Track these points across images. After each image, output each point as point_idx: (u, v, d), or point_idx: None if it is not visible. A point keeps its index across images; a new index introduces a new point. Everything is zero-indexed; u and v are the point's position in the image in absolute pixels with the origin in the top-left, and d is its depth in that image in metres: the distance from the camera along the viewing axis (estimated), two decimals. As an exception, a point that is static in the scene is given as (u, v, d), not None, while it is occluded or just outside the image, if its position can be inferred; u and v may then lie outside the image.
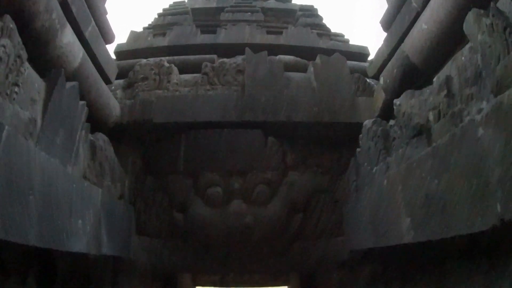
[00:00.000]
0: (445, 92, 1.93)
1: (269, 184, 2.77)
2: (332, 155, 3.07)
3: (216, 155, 2.76)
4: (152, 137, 3.02)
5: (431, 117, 2.06)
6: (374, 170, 2.58)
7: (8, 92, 1.70)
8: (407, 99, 2.38)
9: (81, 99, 2.35)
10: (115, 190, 2.71)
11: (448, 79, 1.93)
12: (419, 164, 1.90)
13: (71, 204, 1.90)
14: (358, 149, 2.89)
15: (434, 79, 2.06)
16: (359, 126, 2.95)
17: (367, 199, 2.55)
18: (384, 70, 3.09)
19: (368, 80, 3.71)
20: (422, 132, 2.15)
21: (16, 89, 1.76)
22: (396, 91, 2.77)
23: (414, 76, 2.64)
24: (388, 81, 2.97)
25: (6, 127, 1.48)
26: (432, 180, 1.72)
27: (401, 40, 2.69)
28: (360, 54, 4.43)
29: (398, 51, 2.78)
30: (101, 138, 2.60)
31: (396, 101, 2.45)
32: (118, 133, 3.04)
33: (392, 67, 2.88)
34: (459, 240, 1.90)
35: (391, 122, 2.51)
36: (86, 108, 2.37)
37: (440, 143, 1.69)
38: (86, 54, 2.62)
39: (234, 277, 7.34)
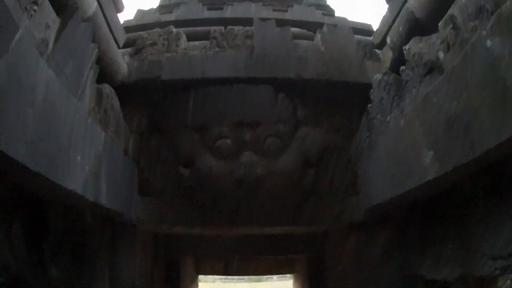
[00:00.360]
0: (450, 26, 1.95)
1: (281, 137, 2.63)
2: (342, 115, 2.98)
3: (225, 109, 2.65)
4: (160, 95, 2.92)
5: (441, 55, 2.04)
6: (388, 119, 2.48)
7: (28, 7, 1.62)
8: (415, 43, 2.34)
9: (92, 44, 2.27)
10: (119, 144, 2.57)
11: (451, 16, 1.94)
12: (435, 92, 1.83)
13: (71, 134, 1.75)
14: (369, 105, 2.80)
15: (439, 24, 2.02)
16: (368, 87, 2.87)
17: (383, 149, 2.44)
18: (390, 30, 3.05)
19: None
20: (433, 68, 2.09)
21: (35, 7, 1.68)
22: (402, 49, 2.71)
23: (419, 31, 2.60)
24: (394, 39, 2.91)
25: (20, 29, 1.39)
26: (451, 103, 1.65)
27: (405, 2, 2.66)
28: (364, 30, 4.37)
29: (402, 10, 2.75)
30: (108, 88, 2.50)
31: (406, 46, 2.41)
32: (124, 94, 2.93)
33: (398, 26, 2.85)
34: (484, 178, 1.80)
35: (402, 67, 2.44)
36: (96, 50, 2.28)
37: (453, 66, 1.66)
38: (99, 8, 2.56)
39: (238, 264, 7.12)
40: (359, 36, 4.01)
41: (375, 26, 4.03)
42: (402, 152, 2.15)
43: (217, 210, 2.66)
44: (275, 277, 30.88)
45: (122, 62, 3.01)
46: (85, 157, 1.87)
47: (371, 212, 2.64)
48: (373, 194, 2.53)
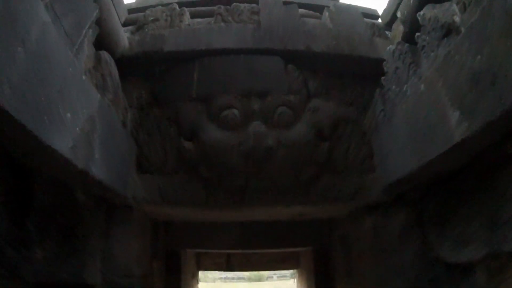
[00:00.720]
0: (465, -14, 1.76)
1: (292, 108, 2.41)
2: (354, 90, 2.78)
3: (232, 79, 2.43)
4: (162, 68, 2.71)
5: (457, 18, 1.93)
6: (404, 88, 2.29)
7: None
8: (430, 9, 2.19)
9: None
10: (116, 114, 2.34)
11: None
12: (456, 50, 1.69)
13: (63, 88, 1.53)
14: (382, 77, 2.61)
15: None
16: (379, 63, 2.70)
17: (400, 119, 2.24)
18: (400, 5, 2.89)
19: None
20: (451, 30, 1.95)
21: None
22: (414, 20, 2.54)
23: (431, 2, 2.43)
24: (405, 12, 2.74)
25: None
26: (474, 58, 1.54)
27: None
28: (371, 14, 4.21)
29: None
30: (107, 55, 2.29)
31: (420, 13, 2.25)
32: (124, 67, 2.72)
33: (408, 0, 2.68)
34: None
35: (417, 33, 2.26)
36: (97, 10, 2.08)
37: (472, 22, 1.55)
38: (102, -28, 2.36)
39: (241, 259, 6.83)
40: (366, 20, 3.86)
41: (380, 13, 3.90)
42: (424, 118, 1.96)
43: (223, 188, 2.40)
44: (275, 276, 30.54)
45: (123, 35, 2.81)
46: (77, 117, 1.64)
47: (389, 190, 2.43)
48: (391, 169, 2.33)
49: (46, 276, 1.75)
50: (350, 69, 2.84)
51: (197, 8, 3.64)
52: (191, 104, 2.45)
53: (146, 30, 3.10)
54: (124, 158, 2.35)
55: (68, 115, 1.56)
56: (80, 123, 1.68)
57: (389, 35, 3.43)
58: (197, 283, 6.81)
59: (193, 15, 3.43)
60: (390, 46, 2.55)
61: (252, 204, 2.44)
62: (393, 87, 2.43)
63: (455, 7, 2.02)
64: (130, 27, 3.32)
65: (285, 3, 3.43)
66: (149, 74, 2.76)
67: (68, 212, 2.00)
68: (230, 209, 2.54)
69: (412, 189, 2.40)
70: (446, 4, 2.03)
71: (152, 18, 3.19)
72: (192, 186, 2.45)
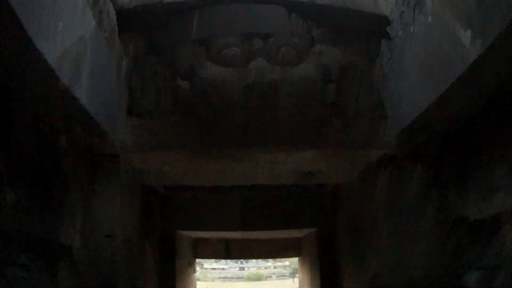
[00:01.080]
0: None
1: (296, 49, 2.22)
2: (360, 43, 2.63)
3: (233, 23, 2.27)
4: (161, 20, 2.56)
5: None
6: (411, 30, 2.15)
7: None
8: None
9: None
10: (111, 56, 2.17)
11: None
12: None
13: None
14: (388, 27, 2.48)
15: None
16: (382, 20, 2.57)
17: (411, 58, 2.12)
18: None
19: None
20: None
21: None
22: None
23: None
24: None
25: None
26: None
27: None
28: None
29: None
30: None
31: None
32: (123, 20, 2.58)
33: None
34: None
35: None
36: None
37: None
38: None
39: (241, 246, 6.56)
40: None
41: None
42: (436, 49, 1.83)
43: (222, 127, 2.18)
44: (274, 276, 30.14)
45: (122, -13, 2.68)
46: (68, 31, 1.49)
47: (403, 137, 2.24)
48: (404, 115, 2.16)
49: (16, 227, 1.53)
50: (354, 23, 2.70)
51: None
52: (190, 46, 2.28)
53: (145, -13, 2.97)
54: (114, 100, 2.17)
55: (60, 24, 1.42)
56: (70, 39, 1.53)
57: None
58: (194, 272, 6.55)
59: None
60: (395, -6, 2.42)
61: (255, 145, 2.19)
62: (400, 32, 2.30)
63: None
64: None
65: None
66: (147, 27, 2.61)
67: (48, 158, 1.80)
68: (230, 151, 2.31)
69: (427, 140, 2.21)
70: None
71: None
72: (186, 127, 2.22)
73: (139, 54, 2.46)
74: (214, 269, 29.82)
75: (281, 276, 28.55)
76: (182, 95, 2.22)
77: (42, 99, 1.65)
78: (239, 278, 28.87)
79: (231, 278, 29.21)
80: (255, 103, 2.15)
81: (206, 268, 27.27)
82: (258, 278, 28.64)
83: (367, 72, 2.43)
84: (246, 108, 2.17)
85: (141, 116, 2.25)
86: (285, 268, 29.15)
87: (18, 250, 1.56)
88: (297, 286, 7.63)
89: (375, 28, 2.64)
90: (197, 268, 9.11)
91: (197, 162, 2.46)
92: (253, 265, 30.95)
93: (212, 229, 4.84)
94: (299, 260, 6.52)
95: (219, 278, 28.66)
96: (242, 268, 31.32)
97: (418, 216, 2.21)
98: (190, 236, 5.58)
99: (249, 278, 28.66)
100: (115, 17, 2.27)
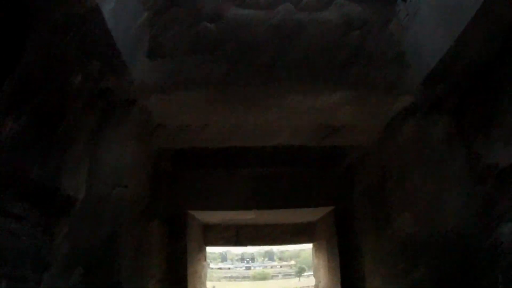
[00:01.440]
0: None
1: None
2: (378, 2, 2.44)
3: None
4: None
5: None
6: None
7: None
8: None
9: None
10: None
11: None
12: None
13: None
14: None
15: None
16: None
17: (428, 7, 1.96)
18: None
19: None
20: None
21: None
22: None
23: None
24: None
25: None
26: None
27: None
28: None
29: None
30: None
31: None
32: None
33: None
34: None
35: None
36: None
37: None
38: None
39: (251, 232, 6.32)
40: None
41: None
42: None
43: (247, 63, 2.06)
44: (280, 275, 29.80)
45: None
46: None
47: (426, 84, 2.09)
48: (426, 62, 2.03)
49: (12, 166, 1.32)
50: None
51: None
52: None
53: None
54: (135, 35, 1.96)
55: None
56: None
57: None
58: (205, 259, 6.32)
59: None
60: None
61: (280, 83, 2.04)
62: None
63: None
64: None
65: None
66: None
67: (57, 93, 1.58)
68: (253, 94, 2.12)
69: (449, 92, 2.07)
70: None
71: None
72: (210, 64, 2.05)
73: (161, 7, 2.25)
74: (220, 268, 29.62)
75: (286, 275, 28.20)
76: (208, 36, 2.04)
77: (65, 20, 1.43)
78: (245, 278, 28.56)
79: (237, 278, 28.91)
80: (282, 42, 2.06)
81: (212, 268, 27.07)
82: (264, 277, 28.31)
83: (386, 26, 2.26)
84: (273, 47, 2.06)
85: (163, 56, 2.06)
86: (290, 268, 28.85)
87: (13, 197, 1.33)
88: (303, 285, 7.37)
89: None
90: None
91: (218, 105, 2.27)
92: (259, 265, 30.68)
93: (222, 209, 4.62)
94: (313, 246, 6.25)
95: (225, 277, 28.38)
96: (248, 268, 31.06)
97: (447, 167, 2.10)
98: (201, 220, 5.36)
99: (255, 278, 28.33)
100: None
